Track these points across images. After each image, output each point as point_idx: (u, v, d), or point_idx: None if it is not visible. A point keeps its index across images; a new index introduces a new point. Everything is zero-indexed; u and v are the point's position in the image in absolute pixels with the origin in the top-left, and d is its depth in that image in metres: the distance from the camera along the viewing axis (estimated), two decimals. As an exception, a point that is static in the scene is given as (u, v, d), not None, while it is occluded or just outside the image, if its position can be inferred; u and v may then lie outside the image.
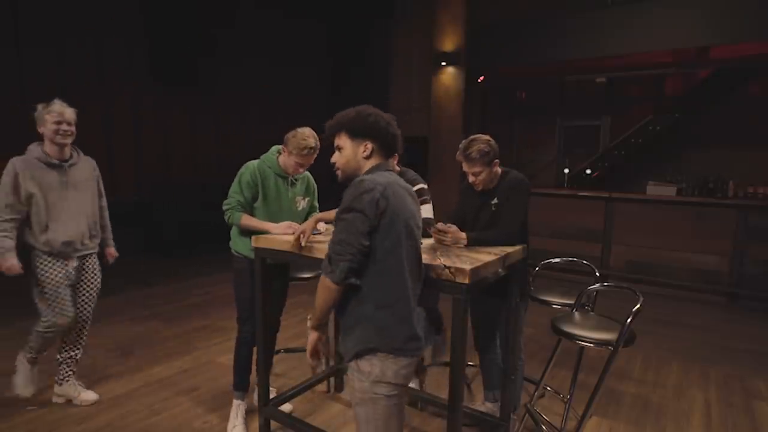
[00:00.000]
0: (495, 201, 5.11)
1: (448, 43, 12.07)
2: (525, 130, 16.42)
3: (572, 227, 10.59)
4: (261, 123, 14.10)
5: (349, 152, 3.89)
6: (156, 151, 12.17)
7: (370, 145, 3.87)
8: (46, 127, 5.34)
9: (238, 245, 5.35)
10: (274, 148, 5.38)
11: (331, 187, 6.02)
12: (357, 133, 3.87)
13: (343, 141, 3.89)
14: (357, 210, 3.68)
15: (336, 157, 3.93)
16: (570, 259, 6.12)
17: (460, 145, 5.11)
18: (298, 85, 15.05)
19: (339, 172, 3.94)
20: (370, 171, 3.86)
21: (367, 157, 3.88)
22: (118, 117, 11.42)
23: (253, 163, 5.30)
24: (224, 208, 5.24)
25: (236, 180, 5.25)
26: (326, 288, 3.74)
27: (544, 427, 5.35)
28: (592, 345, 4.65)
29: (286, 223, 5.14)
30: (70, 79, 10.53)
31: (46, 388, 6.01)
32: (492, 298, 5.27)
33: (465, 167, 5.08)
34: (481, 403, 5.71)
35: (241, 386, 5.58)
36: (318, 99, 15.47)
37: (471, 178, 5.09)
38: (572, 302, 5.53)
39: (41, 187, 5.34)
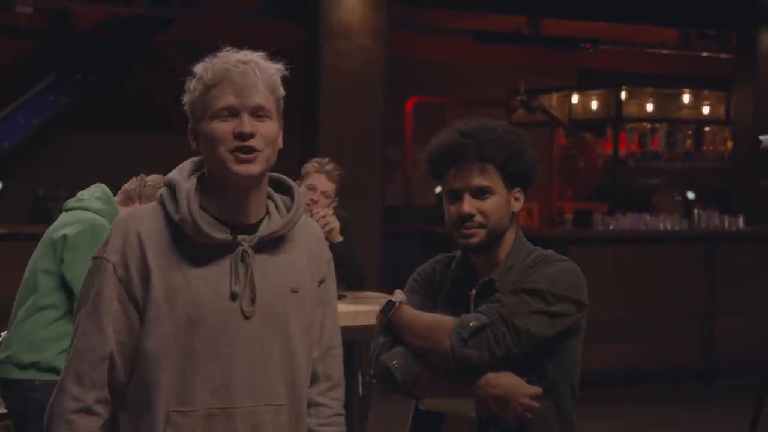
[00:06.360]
0: None
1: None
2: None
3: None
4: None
5: (502, 200, 2.22)
6: None
7: (521, 197, 2.28)
8: None
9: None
10: None
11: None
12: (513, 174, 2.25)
13: (493, 181, 2.21)
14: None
15: (478, 205, 2.19)
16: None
17: None
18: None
19: (480, 231, 2.18)
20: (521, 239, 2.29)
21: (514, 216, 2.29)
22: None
23: None
24: None
25: None
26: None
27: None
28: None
29: None
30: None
31: None
32: None
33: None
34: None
35: None
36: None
37: None
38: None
39: None
